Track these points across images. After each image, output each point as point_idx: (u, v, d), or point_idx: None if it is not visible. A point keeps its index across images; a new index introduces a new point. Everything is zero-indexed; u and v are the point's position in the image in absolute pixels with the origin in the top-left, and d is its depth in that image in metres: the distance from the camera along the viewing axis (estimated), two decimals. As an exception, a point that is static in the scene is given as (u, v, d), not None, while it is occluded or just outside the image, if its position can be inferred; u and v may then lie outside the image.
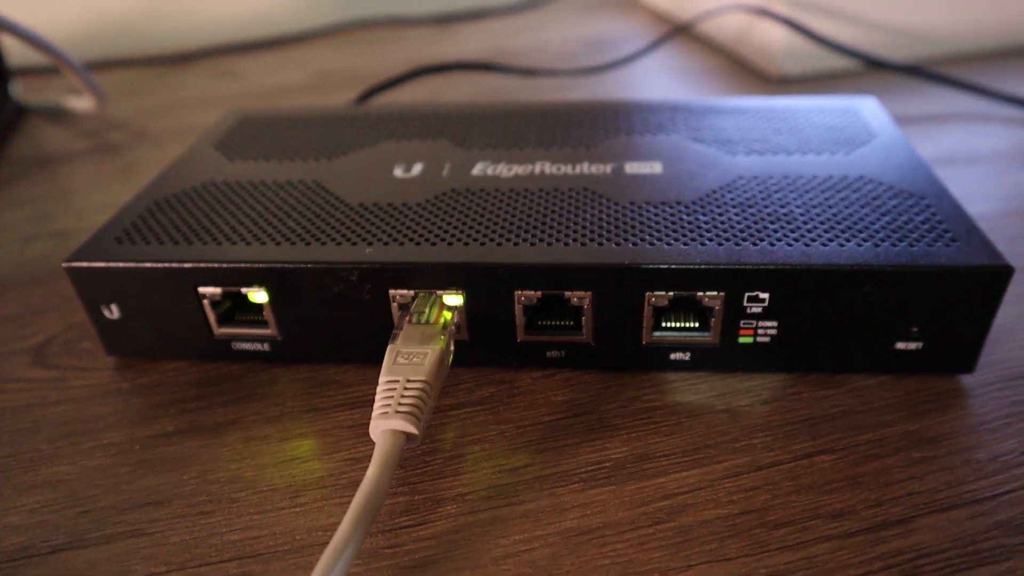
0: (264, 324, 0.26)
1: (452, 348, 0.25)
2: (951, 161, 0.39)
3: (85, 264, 0.26)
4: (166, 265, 0.25)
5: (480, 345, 0.26)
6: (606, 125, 0.32)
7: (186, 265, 0.25)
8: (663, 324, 0.25)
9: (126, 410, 0.26)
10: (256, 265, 0.25)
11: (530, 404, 0.25)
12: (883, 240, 0.24)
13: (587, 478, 0.22)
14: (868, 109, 0.33)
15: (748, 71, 0.53)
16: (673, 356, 0.25)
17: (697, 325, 0.25)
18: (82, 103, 0.50)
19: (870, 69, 0.51)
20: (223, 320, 0.26)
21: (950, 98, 0.46)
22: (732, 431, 0.24)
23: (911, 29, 0.50)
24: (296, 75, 0.57)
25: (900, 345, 0.24)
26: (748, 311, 0.24)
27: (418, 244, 0.25)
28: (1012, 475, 0.22)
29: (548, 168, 0.29)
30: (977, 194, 0.36)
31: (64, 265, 0.26)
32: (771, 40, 0.50)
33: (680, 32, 0.60)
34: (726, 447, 0.23)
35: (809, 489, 0.22)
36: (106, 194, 0.41)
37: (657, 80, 0.52)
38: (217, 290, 0.25)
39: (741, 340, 0.24)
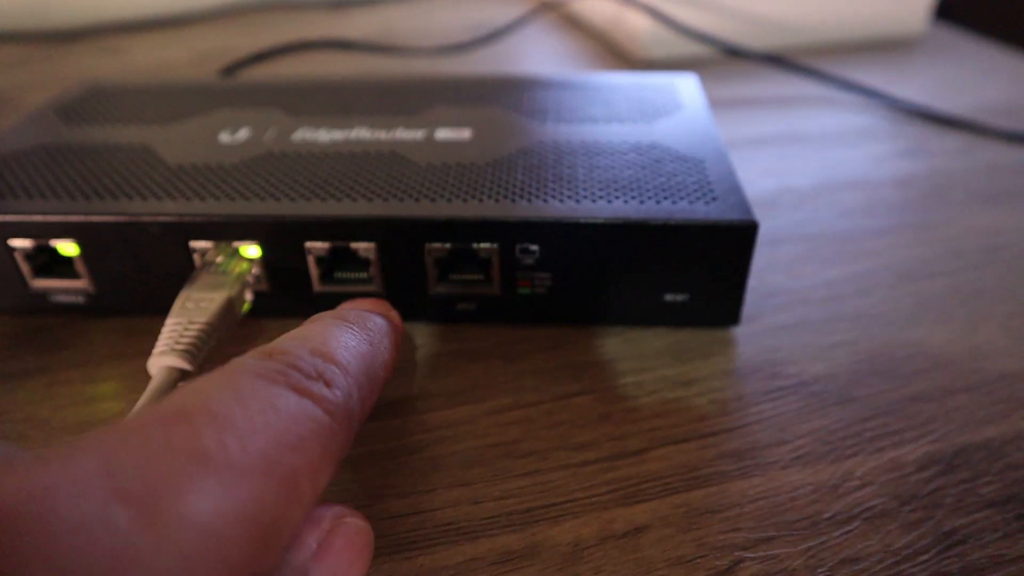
0: (78, 276, 0.27)
1: (248, 297, 0.26)
2: (782, 139, 0.41)
3: (-102, 220, 0.26)
4: (-25, 219, 0.26)
5: (280, 296, 0.27)
6: (432, 96, 0.34)
7: (-7, 218, 0.26)
8: (449, 277, 0.26)
9: (-66, 359, 0.27)
10: (63, 218, 0.26)
11: (323, 351, 0.26)
12: (650, 198, 0.25)
13: (357, 415, 0.24)
14: (684, 85, 0.35)
15: (617, 54, 0.55)
16: (460, 307, 0.27)
17: (481, 277, 0.26)
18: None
19: (731, 56, 0.53)
20: (39, 273, 0.27)
21: (798, 84, 0.49)
22: (505, 374, 0.25)
23: (773, 20, 0.53)
24: (178, 54, 0.57)
25: (669, 297, 0.26)
26: (522, 263, 0.25)
27: (218, 199, 0.26)
28: (748, 412, 0.24)
29: (364, 133, 0.30)
30: (796, 168, 0.38)
31: None
32: (638, 25, 0.52)
33: (548, 10, 0.63)
34: (496, 388, 0.25)
35: (561, 424, 0.23)
36: (-32, 162, 0.42)
37: (526, 61, 0.54)
38: (28, 243, 0.26)
39: (520, 291, 0.26)
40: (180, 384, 0.16)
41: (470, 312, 0.27)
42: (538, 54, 0.56)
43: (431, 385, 0.25)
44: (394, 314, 0.22)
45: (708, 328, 0.27)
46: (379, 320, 0.21)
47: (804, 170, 0.38)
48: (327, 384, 0.16)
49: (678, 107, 0.32)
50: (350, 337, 0.19)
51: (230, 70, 0.49)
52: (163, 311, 0.27)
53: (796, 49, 0.54)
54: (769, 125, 0.43)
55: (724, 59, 0.53)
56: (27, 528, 0.10)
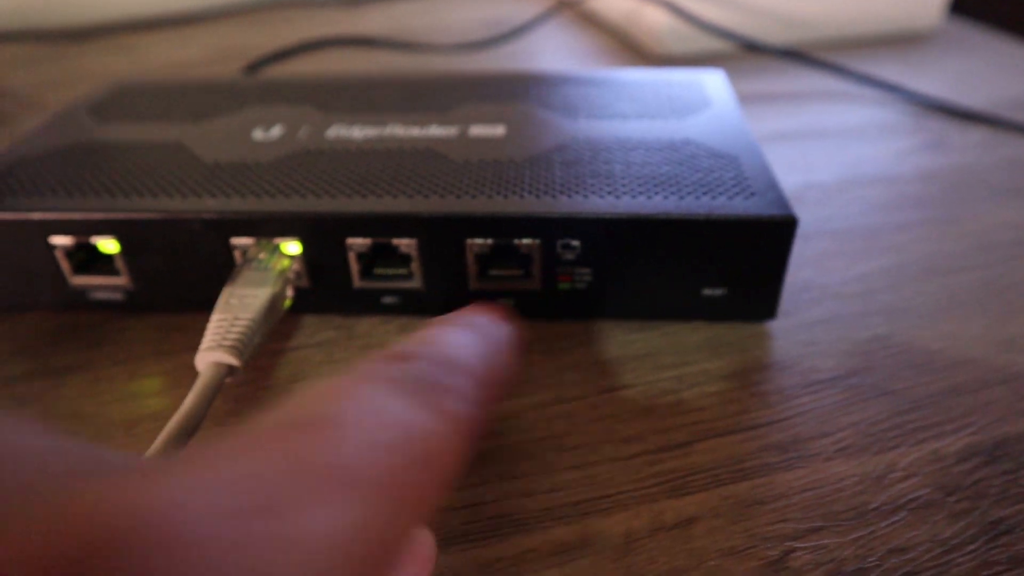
0: (117, 274, 0.27)
1: (289, 293, 0.26)
2: (803, 134, 0.42)
3: (-62, 217, 0.26)
4: (17, 216, 0.26)
5: (321, 292, 0.27)
6: (463, 93, 0.34)
7: (35, 216, 0.26)
8: (490, 272, 0.26)
9: (-22, 356, 0.27)
10: (104, 216, 0.26)
11: (364, 347, 0.27)
12: (689, 194, 0.26)
13: (403, 410, 0.24)
14: (712, 81, 0.35)
15: (635, 50, 0.55)
16: (500, 302, 0.27)
17: (521, 273, 0.26)
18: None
19: (749, 51, 0.53)
20: (79, 270, 0.28)
21: (817, 79, 0.49)
22: (547, 369, 0.25)
23: (789, 15, 0.53)
24: (193, 52, 0.57)
25: (707, 291, 0.26)
26: (563, 258, 0.26)
27: (258, 196, 0.26)
28: (789, 405, 0.24)
29: (398, 130, 0.31)
30: (819, 164, 0.38)
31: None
32: (656, 21, 0.52)
33: (565, 8, 0.63)
34: (538, 383, 0.25)
35: (605, 418, 0.24)
36: (-8, 160, 0.42)
37: (545, 58, 0.54)
38: (69, 240, 0.27)
39: (561, 286, 0.26)
40: (304, 385, 0.15)
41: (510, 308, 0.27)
42: (556, 51, 0.56)
43: (474, 380, 0.25)
44: (516, 325, 0.21)
45: (744, 322, 0.27)
46: (506, 332, 0.19)
47: (827, 165, 0.38)
48: (460, 398, 0.15)
49: (707, 103, 0.33)
50: (481, 348, 0.18)
51: (252, 68, 0.49)
52: (202, 308, 0.28)
53: (812, 44, 0.55)
54: (790, 120, 0.43)
55: (742, 54, 0.53)
56: (158, 546, 0.09)
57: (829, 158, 0.39)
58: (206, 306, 0.28)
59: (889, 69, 0.50)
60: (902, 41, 0.56)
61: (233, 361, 0.23)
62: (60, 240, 0.26)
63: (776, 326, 0.27)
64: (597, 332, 0.27)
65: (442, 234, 0.25)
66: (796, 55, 0.47)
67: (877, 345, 0.26)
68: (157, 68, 0.54)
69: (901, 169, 0.38)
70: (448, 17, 0.64)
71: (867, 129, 0.42)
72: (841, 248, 0.32)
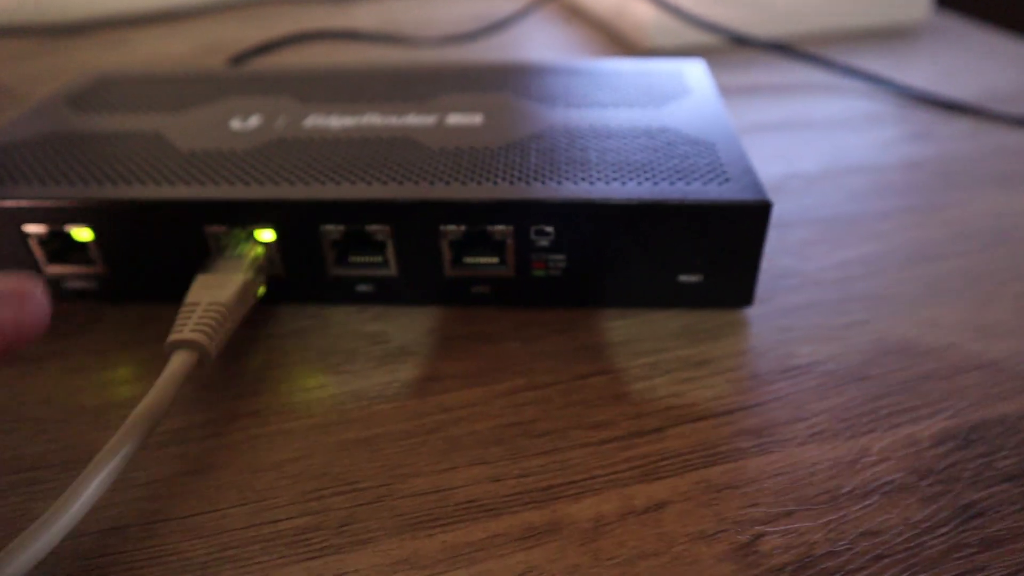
0: (92, 262, 0.27)
1: (262, 281, 0.26)
2: (788, 125, 0.41)
3: (-90, 205, 0.26)
4: (-10, 205, 0.26)
5: (296, 280, 0.27)
6: (443, 83, 0.34)
7: (8, 204, 0.26)
8: (464, 259, 0.26)
9: (-49, 345, 0.27)
10: (78, 204, 0.26)
11: (339, 335, 0.26)
12: (663, 179, 0.26)
13: (375, 396, 0.24)
14: (692, 71, 0.35)
15: (622, 44, 0.55)
16: (475, 289, 0.27)
17: (496, 260, 0.26)
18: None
19: (737, 45, 0.53)
20: (54, 259, 0.27)
21: (804, 72, 0.49)
22: (520, 356, 0.25)
23: (777, 8, 0.53)
24: (183, 47, 0.57)
25: (683, 278, 0.26)
26: (537, 245, 0.25)
27: (232, 184, 0.26)
28: (763, 391, 0.24)
29: (375, 119, 0.30)
30: (803, 154, 0.38)
31: None
32: (643, 14, 0.52)
33: (552, 0, 0.63)
34: (511, 370, 0.25)
35: (577, 404, 0.23)
36: (-25, 154, 0.41)
37: (530, 51, 0.54)
38: (42, 228, 0.26)
39: (535, 273, 0.26)
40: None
41: (484, 295, 0.27)
42: (542, 44, 0.56)
43: (447, 367, 0.25)
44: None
45: (722, 309, 0.27)
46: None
47: (811, 155, 0.38)
48: None
49: (686, 91, 0.33)
50: None
51: (238, 60, 0.49)
52: (177, 297, 0.28)
53: (800, 37, 0.55)
54: (775, 112, 0.43)
55: (729, 47, 0.53)
56: None
57: (814, 148, 0.39)
58: (181, 294, 0.28)
59: (876, 62, 0.50)
60: (889, 34, 0.56)
61: (203, 348, 0.22)
62: (34, 228, 0.26)
63: (754, 313, 0.27)
64: (572, 320, 0.27)
65: (416, 220, 0.25)
66: (783, 48, 0.47)
67: (855, 331, 0.26)
68: (146, 62, 0.54)
69: (885, 159, 0.38)
70: (435, 12, 0.64)
71: (853, 120, 0.42)
72: (822, 236, 0.31)
